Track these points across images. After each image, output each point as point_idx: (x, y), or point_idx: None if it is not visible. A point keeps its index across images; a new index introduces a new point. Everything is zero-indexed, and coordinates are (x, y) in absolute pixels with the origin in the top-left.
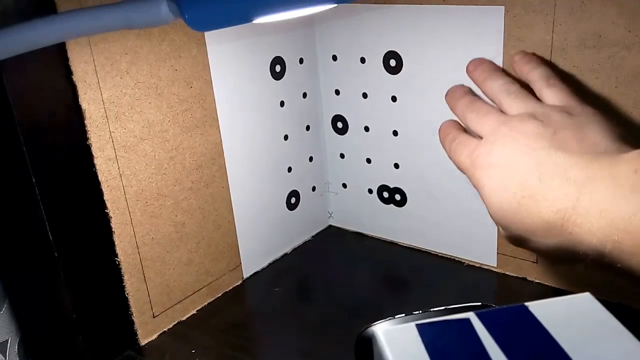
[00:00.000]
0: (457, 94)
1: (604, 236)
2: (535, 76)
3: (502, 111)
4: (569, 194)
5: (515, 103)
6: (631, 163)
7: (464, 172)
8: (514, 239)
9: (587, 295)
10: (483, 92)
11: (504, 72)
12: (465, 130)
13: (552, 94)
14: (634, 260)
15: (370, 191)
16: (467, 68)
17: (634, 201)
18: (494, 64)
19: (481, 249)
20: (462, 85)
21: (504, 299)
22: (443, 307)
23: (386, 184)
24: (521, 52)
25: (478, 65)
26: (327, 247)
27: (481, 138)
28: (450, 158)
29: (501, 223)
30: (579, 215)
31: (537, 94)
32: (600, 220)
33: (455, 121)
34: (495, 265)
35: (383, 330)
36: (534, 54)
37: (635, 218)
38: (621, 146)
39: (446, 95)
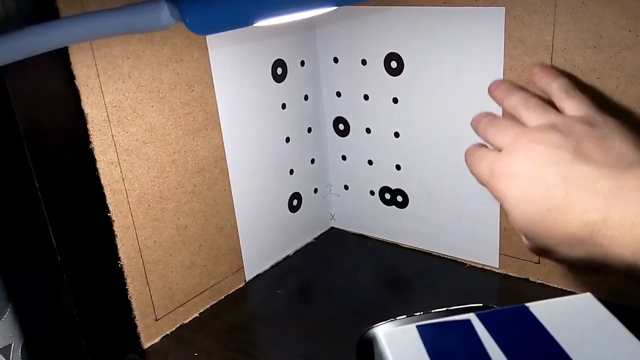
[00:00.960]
0: (481, 116)
1: (636, 249)
2: (555, 88)
3: (523, 125)
4: (598, 206)
5: (534, 115)
6: None
7: (483, 184)
8: (539, 250)
9: (587, 296)
10: (505, 110)
11: (524, 88)
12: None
13: (573, 105)
14: None
15: (372, 193)
16: (488, 89)
17: None
18: (513, 83)
19: (483, 250)
20: (487, 112)
21: (506, 300)
22: (444, 309)
23: (388, 185)
24: (540, 65)
25: (498, 85)
26: (329, 249)
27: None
28: (472, 173)
29: (525, 234)
30: (609, 228)
31: (557, 106)
32: (633, 233)
33: (479, 144)
34: (497, 266)
35: (384, 332)
36: (552, 66)
37: None
38: None
39: (472, 121)
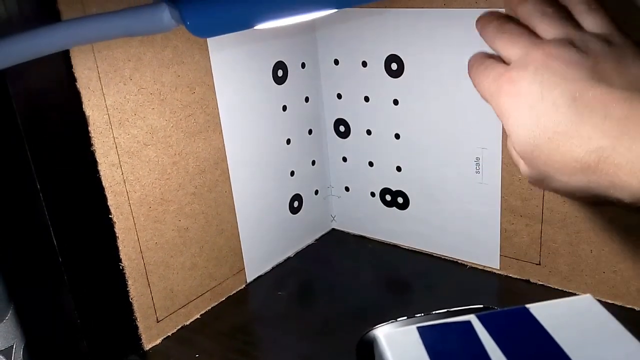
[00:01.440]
0: (489, 18)
1: None
2: None
3: (536, 35)
4: (609, 131)
5: (551, 26)
6: None
7: (487, 101)
8: (535, 177)
9: (588, 297)
10: (518, 17)
11: None
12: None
13: (593, 20)
14: None
15: (372, 194)
16: None
17: None
18: None
19: (484, 252)
20: (496, 12)
21: (507, 301)
22: (445, 310)
23: (388, 187)
24: None
25: None
26: (330, 251)
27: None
28: (475, 86)
29: (524, 157)
30: (619, 154)
31: (577, 19)
32: None
33: (485, 52)
34: (498, 268)
35: (384, 333)
36: None
37: None
38: None
39: (477, 20)
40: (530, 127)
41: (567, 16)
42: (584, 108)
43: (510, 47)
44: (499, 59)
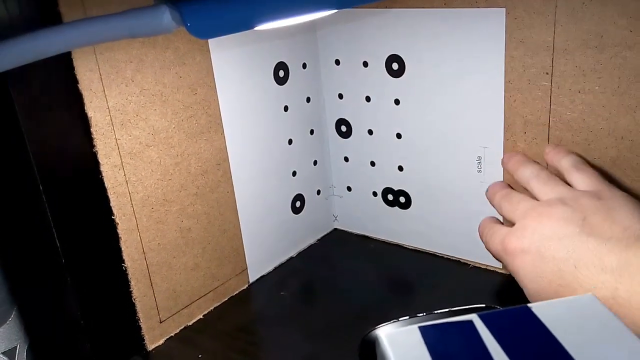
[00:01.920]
0: (497, 188)
1: None
2: (566, 163)
3: (534, 198)
4: (607, 282)
5: (544, 188)
6: None
7: (498, 259)
8: (504, 263)
9: (589, 297)
10: (517, 181)
11: (536, 162)
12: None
13: (581, 179)
14: None
15: (374, 194)
16: (502, 161)
17: None
18: (525, 155)
19: (486, 251)
20: (502, 182)
21: (510, 301)
22: (447, 310)
23: (390, 186)
24: (552, 145)
25: (512, 157)
26: (332, 250)
27: None
28: (486, 247)
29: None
30: (619, 305)
31: (567, 180)
32: None
33: (492, 217)
34: (501, 267)
35: (386, 333)
36: (563, 147)
37: None
38: None
39: (487, 190)
40: (538, 281)
41: (559, 179)
42: (581, 261)
43: (513, 212)
44: (504, 223)
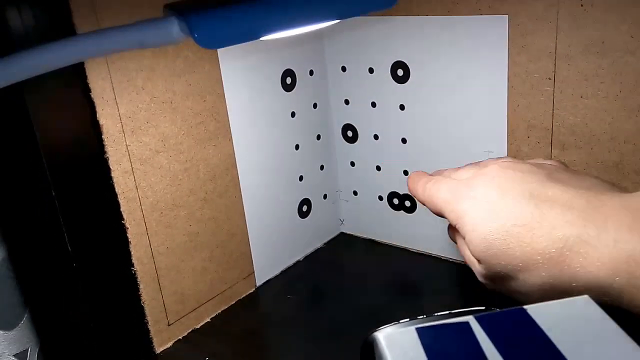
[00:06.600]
0: (416, 177)
1: (614, 267)
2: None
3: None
4: (573, 221)
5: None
6: None
7: (441, 209)
8: (494, 278)
9: (585, 298)
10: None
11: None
12: None
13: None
14: None
15: (380, 198)
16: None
17: None
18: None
19: None
20: (420, 171)
21: (514, 302)
22: (447, 312)
23: (396, 190)
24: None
25: (413, 180)
26: (338, 254)
27: None
28: (425, 202)
29: (483, 257)
30: (585, 243)
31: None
32: (614, 250)
33: (422, 171)
34: None
35: (383, 334)
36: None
37: None
38: (622, 191)
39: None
40: (489, 224)
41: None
42: (543, 203)
43: (462, 171)
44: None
